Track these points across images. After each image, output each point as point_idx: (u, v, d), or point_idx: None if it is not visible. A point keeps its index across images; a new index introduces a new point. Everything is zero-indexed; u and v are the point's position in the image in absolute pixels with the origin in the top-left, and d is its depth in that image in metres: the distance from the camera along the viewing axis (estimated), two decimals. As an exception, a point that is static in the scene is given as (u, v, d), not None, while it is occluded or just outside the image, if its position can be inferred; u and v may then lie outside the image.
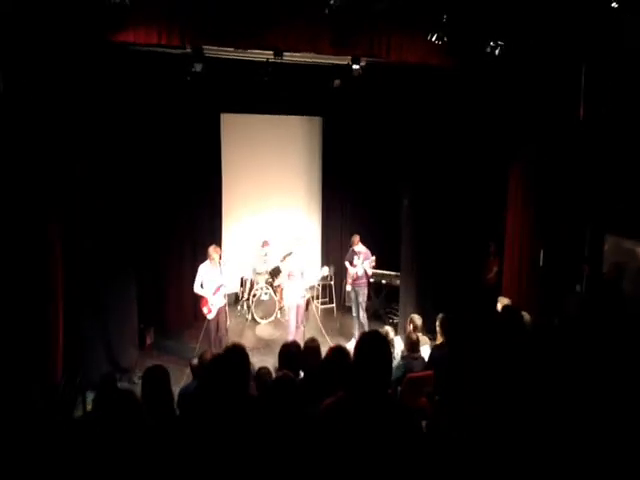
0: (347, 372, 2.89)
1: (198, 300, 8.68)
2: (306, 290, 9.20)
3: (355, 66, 7.96)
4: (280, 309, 10.64)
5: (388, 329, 6.76)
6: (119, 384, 6.16)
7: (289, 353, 4.75)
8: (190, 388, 5.20)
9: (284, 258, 9.85)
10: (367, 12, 6.84)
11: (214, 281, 8.28)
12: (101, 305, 7.70)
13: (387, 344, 2.80)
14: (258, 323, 10.57)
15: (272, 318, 10.66)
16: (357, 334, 9.44)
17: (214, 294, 8.25)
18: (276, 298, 10.56)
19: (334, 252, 11.91)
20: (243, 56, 8.18)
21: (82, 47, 6.52)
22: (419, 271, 9.60)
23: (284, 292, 9.15)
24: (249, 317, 10.71)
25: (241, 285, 11.34)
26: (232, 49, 7.63)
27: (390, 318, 10.55)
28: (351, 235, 9.88)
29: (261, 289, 10.57)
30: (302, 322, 9.04)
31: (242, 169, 11.32)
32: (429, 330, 7.26)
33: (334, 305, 11.48)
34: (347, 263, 9.69)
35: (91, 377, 6.51)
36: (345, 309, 11.14)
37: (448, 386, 4.53)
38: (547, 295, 7.71)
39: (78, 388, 6.59)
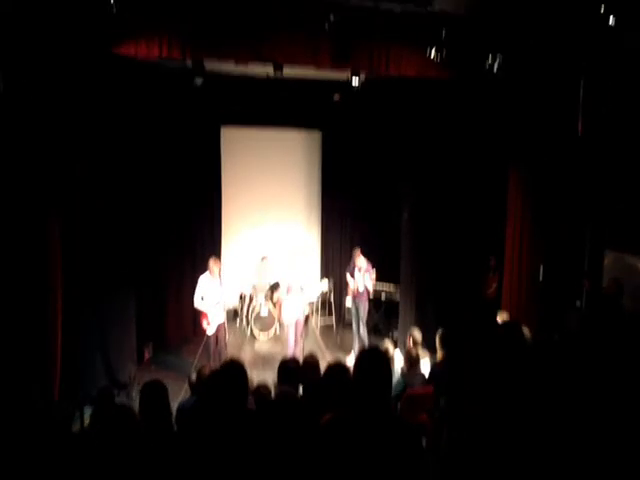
0: (346, 388, 2.88)
1: (197, 315, 8.66)
2: (305, 305, 9.18)
3: (354, 80, 8.00)
4: (279, 324, 10.60)
5: (388, 344, 6.73)
6: (117, 399, 6.14)
7: (288, 369, 4.72)
8: (188, 403, 5.16)
9: (283, 272, 9.84)
10: (366, 27, 6.88)
11: (214, 294, 8.27)
12: (100, 319, 7.68)
13: (387, 360, 2.78)
14: (257, 339, 10.54)
15: (271, 333, 10.63)
16: (357, 349, 9.41)
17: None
18: (275, 313, 10.52)
19: (333, 266, 11.91)
20: (244, 72, 8.22)
21: (84, 57, 6.53)
22: (419, 285, 9.58)
23: (283, 307, 9.13)
24: (248, 332, 10.68)
25: (240, 299, 11.31)
26: (233, 63, 7.67)
27: (390, 332, 10.50)
28: (351, 249, 9.88)
29: (260, 304, 10.54)
30: (301, 337, 9.02)
31: (242, 182, 11.35)
32: (429, 345, 7.23)
33: (333, 319, 11.44)
34: (348, 275, 9.68)
35: (89, 392, 6.46)
36: (344, 324, 11.12)
37: (448, 401, 4.50)
38: (547, 310, 7.68)
39: (76, 403, 6.54)
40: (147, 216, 9.36)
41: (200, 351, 8.44)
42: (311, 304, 10.47)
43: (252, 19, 6.76)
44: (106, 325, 7.82)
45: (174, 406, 4.88)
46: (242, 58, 7.32)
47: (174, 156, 9.82)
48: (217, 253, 10.29)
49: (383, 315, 10.81)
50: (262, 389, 4.79)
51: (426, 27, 7.00)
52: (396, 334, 10.09)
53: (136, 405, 3.94)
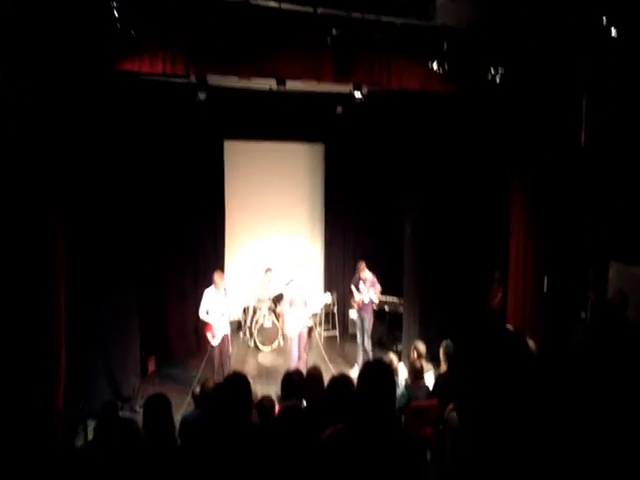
0: (350, 401, 2.87)
1: (202, 327, 8.66)
2: (309, 318, 9.16)
3: (357, 93, 8.02)
4: (283, 336, 10.58)
5: (392, 357, 6.71)
6: (121, 413, 6.12)
7: (292, 381, 4.71)
8: (192, 416, 5.15)
9: (287, 285, 9.84)
10: (368, 40, 6.92)
11: (219, 307, 8.28)
12: (103, 333, 7.67)
13: (391, 373, 2.78)
14: (261, 351, 10.52)
15: (275, 345, 10.61)
16: (361, 361, 9.37)
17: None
18: (279, 325, 10.51)
19: (337, 279, 11.88)
20: (246, 85, 8.26)
21: (88, 71, 6.55)
22: (422, 298, 9.56)
23: (285, 320, 9.11)
24: (252, 344, 10.66)
25: (244, 312, 11.30)
26: (236, 78, 7.71)
27: (394, 345, 10.47)
28: (354, 262, 9.86)
29: (264, 316, 10.53)
30: (305, 350, 8.99)
31: (245, 195, 11.35)
32: (433, 357, 7.20)
33: (337, 332, 11.42)
34: (353, 287, 9.67)
35: (93, 405, 6.45)
36: (348, 336, 11.10)
37: (454, 414, 4.48)
38: (552, 322, 7.66)
39: (79, 416, 6.53)
40: (150, 230, 9.40)
41: (203, 364, 8.43)
42: (314, 316, 10.45)
43: (254, 34, 6.79)
44: (110, 339, 7.81)
45: (178, 419, 4.88)
46: (245, 73, 7.35)
47: (178, 170, 9.85)
48: (220, 266, 10.27)
49: (387, 328, 10.78)
50: (266, 402, 4.78)
51: (428, 40, 7.02)
52: (400, 347, 10.07)
53: (140, 419, 3.94)
